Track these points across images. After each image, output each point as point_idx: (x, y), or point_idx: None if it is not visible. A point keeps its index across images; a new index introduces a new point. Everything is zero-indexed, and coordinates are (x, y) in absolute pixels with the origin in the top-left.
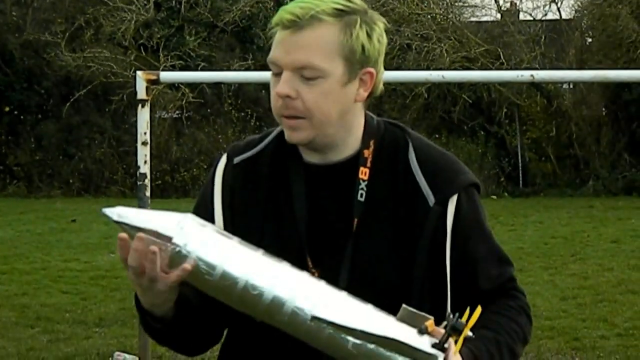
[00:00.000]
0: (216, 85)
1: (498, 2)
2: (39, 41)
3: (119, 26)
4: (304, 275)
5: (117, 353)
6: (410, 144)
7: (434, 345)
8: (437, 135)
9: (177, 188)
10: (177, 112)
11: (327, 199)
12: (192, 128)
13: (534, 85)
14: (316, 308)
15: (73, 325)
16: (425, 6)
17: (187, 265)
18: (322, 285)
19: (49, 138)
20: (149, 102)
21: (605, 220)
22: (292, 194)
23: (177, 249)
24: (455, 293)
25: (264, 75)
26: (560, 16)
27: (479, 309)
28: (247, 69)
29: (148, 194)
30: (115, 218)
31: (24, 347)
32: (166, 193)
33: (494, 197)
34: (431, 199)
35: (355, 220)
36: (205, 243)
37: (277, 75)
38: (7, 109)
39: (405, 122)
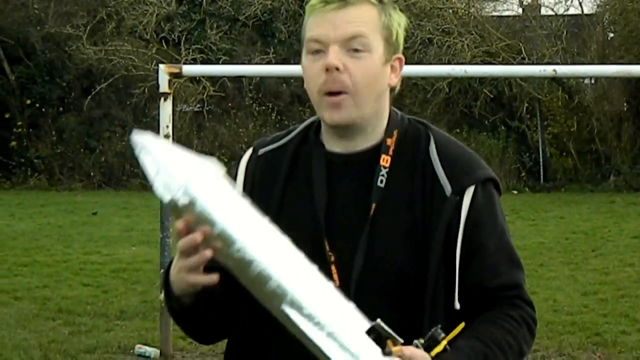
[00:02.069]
0: (237, 78)
1: None
2: (61, 34)
3: (140, 19)
4: (299, 257)
5: (138, 346)
6: (432, 137)
7: None
8: (458, 130)
9: None
10: (198, 105)
11: (347, 186)
12: (213, 122)
13: (555, 80)
14: (295, 295)
15: (94, 317)
16: (447, 0)
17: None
18: (312, 272)
19: (70, 131)
20: (172, 95)
21: (627, 216)
22: (313, 180)
23: (175, 203)
24: (462, 286)
25: (285, 69)
26: (582, 11)
27: (460, 326)
28: (268, 62)
29: None
30: (137, 150)
31: (45, 339)
32: None
33: (515, 192)
34: (448, 189)
35: (374, 205)
36: (212, 200)
37: (317, 53)
38: (28, 101)
39: (426, 117)
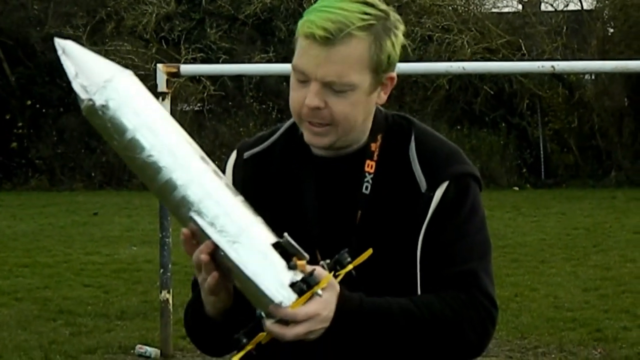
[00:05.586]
0: (237, 77)
1: None
2: (61, 35)
3: (140, 19)
4: (207, 171)
5: (139, 346)
6: (413, 134)
7: (291, 285)
8: (458, 127)
9: None
10: (199, 104)
11: (334, 192)
12: (214, 121)
13: (556, 76)
14: (201, 204)
15: (95, 318)
16: None
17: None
18: (220, 186)
19: (71, 131)
20: (170, 94)
21: (628, 211)
22: (303, 189)
23: (92, 104)
24: (422, 277)
25: (286, 68)
26: (582, 7)
27: (369, 251)
28: (269, 61)
29: None
30: (59, 53)
31: (46, 340)
32: None
33: (516, 188)
34: (423, 186)
35: (359, 213)
36: (127, 105)
37: (303, 82)
38: (29, 102)
39: (426, 114)
